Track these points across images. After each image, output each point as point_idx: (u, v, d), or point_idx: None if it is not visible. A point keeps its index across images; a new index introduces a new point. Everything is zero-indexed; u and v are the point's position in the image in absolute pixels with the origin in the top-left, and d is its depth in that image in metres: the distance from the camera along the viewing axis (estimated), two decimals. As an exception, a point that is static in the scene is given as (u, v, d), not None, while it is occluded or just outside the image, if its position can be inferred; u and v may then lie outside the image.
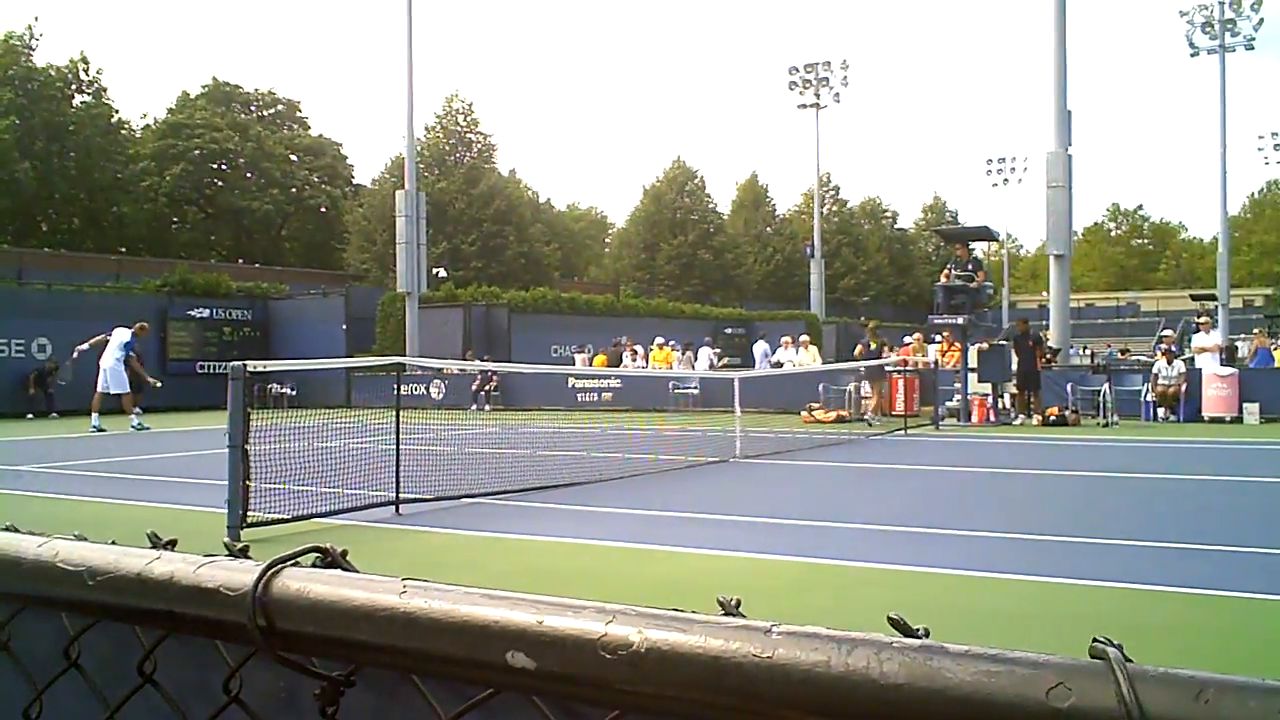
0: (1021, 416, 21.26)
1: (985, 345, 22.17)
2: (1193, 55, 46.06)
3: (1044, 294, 49.77)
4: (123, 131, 58.88)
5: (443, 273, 47.22)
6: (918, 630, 0.71)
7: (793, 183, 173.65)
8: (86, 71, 55.35)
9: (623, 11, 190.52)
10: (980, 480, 12.69)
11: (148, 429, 20.48)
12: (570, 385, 27.52)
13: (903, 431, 19.49)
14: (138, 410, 21.01)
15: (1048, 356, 23.48)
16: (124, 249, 55.07)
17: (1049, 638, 5.26)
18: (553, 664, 0.76)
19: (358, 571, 0.91)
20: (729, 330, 40.25)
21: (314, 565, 0.93)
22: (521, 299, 35.07)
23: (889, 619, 0.73)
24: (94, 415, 20.62)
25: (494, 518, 9.62)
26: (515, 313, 33.36)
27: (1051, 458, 14.94)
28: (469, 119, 60.37)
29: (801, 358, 28.26)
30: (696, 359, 30.24)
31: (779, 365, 27.88)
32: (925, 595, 6.41)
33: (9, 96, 49.87)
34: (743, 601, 0.79)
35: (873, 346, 22.80)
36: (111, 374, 20.72)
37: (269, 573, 0.90)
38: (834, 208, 76.73)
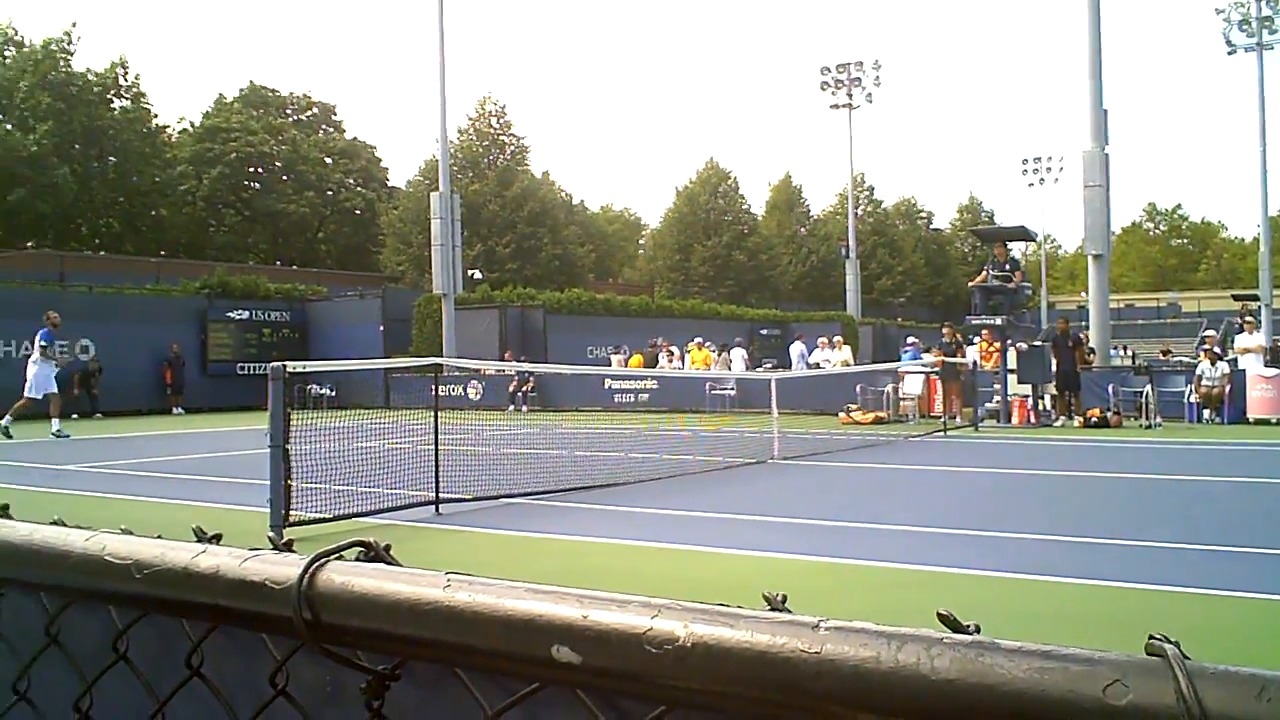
0: (1062, 418, 21.05)
1: (1024, 346, 21.98)
2: (1230, 53, 45.38)
3: (1082, 294, 49.26)
4: (161, 136, 59.52)
5: (478, 274, 47.40)
6: (968, 626, 0.70)
7: (827, 183, 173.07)
8: (125, 76, 56.00)
9: (655, 13, 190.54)
10: (1021, 482, 12.57)
11: (67, 435, 19.50)
12: (607, 386, 27.54)
13: (942, 433, 19.36)
14: (59, 418, 20.01)
15: (1088, 358, 23.23)
16: (163, 252, 55.69)
17: (1098, 640, 5.20)
18: (598, 658, 0.76)
19: (401, 566, 0.91)
20: (764, 331, 40.13)
21: (357, 559, 0.93)
22: (556, 300, 35.12)
23: (939, 615, 0.72)
24: (8, 420, 19.47)
25: (533, 518, 9.65)
26: (550, 314, 33.42)
27: (1093, 460, 14.79)
28: (502, 121, 60.57)
29: (834, 357, 28.15)
30: (731, 360, 30.16)
31: (816, 366, 27.77)
32: (968, 597, 6.36)
33: (48, 101, 50.52)
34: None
35: (947, 340, 22.91)
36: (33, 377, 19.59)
37: (313, 566, 0.90)
38: (869, 208, 76.31)
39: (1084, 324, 28.37)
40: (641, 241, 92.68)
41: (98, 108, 53.85)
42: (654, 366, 28.44)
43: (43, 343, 19.59)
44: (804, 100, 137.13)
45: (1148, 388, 20.75)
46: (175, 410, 28.51)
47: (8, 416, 19.32)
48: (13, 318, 25.66)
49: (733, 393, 25.61)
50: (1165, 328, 65.70)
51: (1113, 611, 6.08)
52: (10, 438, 18.90)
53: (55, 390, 19.66)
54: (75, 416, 25.83)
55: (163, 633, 1.15)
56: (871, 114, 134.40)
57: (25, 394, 19.30)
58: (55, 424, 19.59)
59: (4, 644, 1.30)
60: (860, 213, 68.49)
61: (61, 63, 52.62)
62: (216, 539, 1.06)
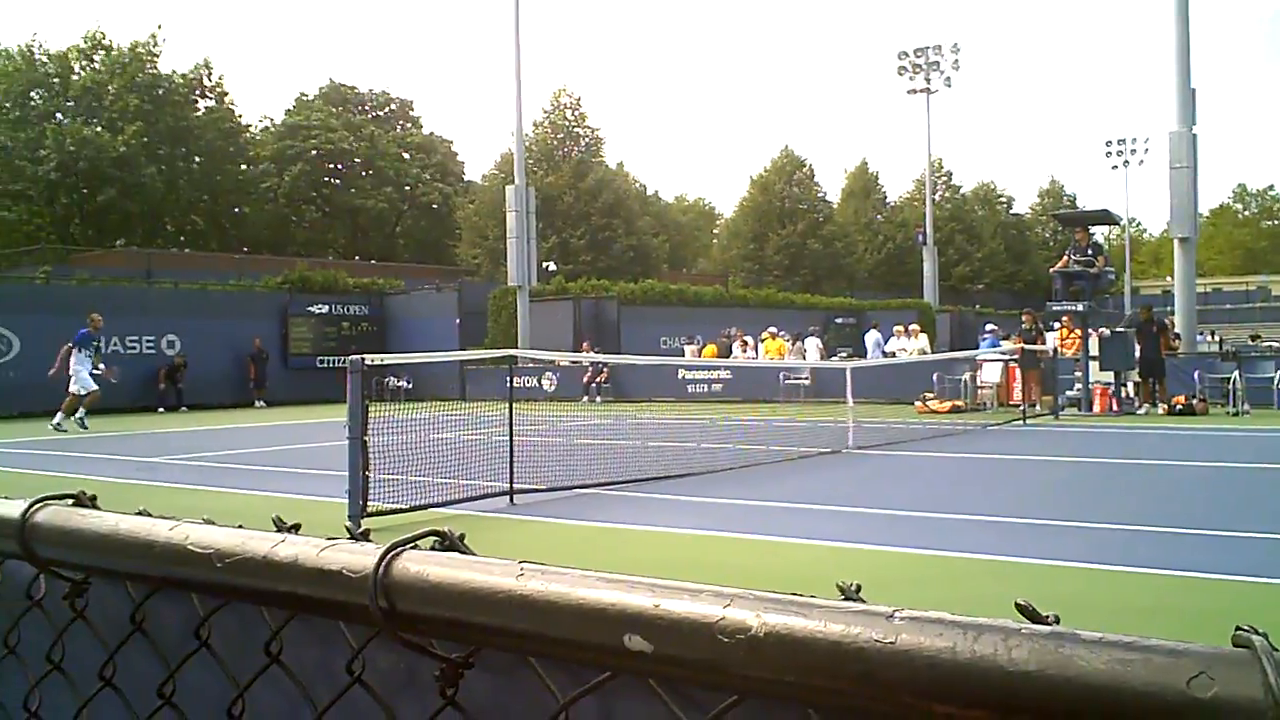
0: (1146, 406, 20.59)
1: (1106, 332, 21.52)
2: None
3: (1168, 279, 48.17)
4: (244, 134, 60.75)
5: (552, 266, 47.65)
6: (1047, 617, 0.68)
7: (903, 169, 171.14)
8: (209, 77, 57.27)
9: (729, 1, 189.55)
10: (1104, 471, 12.33)
11: (65, 432, 19.26)
12: (681, 377, 27.52)
13: (1021, 422, 19.05)
14: (65, 414, 19.76)
15: (1173, 344, 22.70)
16: (245, 248, 56.86)
17: (1184, 633, 5.09)
18: (670, 647, 0.75)
19: (475, 555, 0.92)
20: (840, 320, 39.75)
21: (432, 549, 0.94)
22: (630, 291, 35.15)
23: (1016, 605, 0.70)
24: (81, 413, 19.81)
25: (607, 508, 9.68)
26: (624, 305, 33.46)
27: (1179, 448, 14.45)
28: (577, 113, 60.82)
29: (910, 345, 27.85)
30: (806, 349, 29.94)
31: (892, 355, 27.48)
32: (1048, 588, 6.25)
33: (136, 103, 51.81)
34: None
35: (1026, 327, 22.57)
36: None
37: (389, 555, 0.91)
38: (946, 194, 75.27)
39: (1169, 309, 27.82)
40: (715, 231, 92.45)
41: (183, 108, 55.15)
42: (728, 356, 28.36)
43: (71, 343, 19.98)
44: (881, 86, 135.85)
45: (1235, 373, 20.23)
46: (257, 403, 29.08)
47: (81, 411, 19.73)
48: (105, 314, 26.25)
49: (807, 382, 25.45)
50: (1254, 312, 64.01)
51: (1200, 604, 5.94)
52: (85, 428, 19.37)
53: (87, 389, 19.82)
54: (161, 410, 26.49)
55: (243, 620, 1.17)
56: (950, 98, 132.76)
57: (82, 391, 19.68)
58: (59, 417, 19.63)
59: (91, 632, 1.34)
60: (938, 198, 67.62)
61: (148, 65, 53.91)
62: (295, 529, 1.08)
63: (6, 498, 1.35)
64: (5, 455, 15.71)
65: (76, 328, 20.45)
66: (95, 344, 20.48)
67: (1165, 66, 26.35)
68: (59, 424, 19.48)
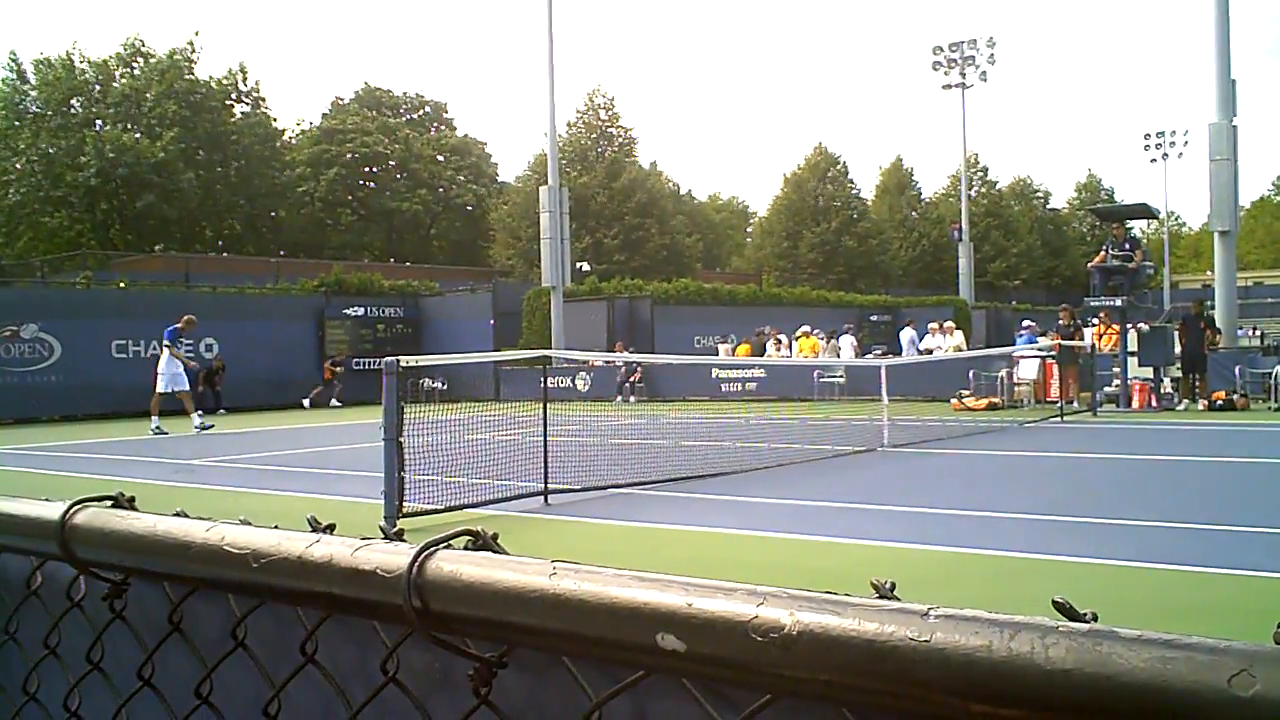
0: (1186, 401, 20.35)
1: (1146, 327, 21.27)
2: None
3: (1208, 273, 47.59)
4: (280, 139, 61.24)
5: (586, 267, 47.70)
6: (1085, 615, 0.68)
7: (938, 165, 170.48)
8: (245, 82, 57.77)
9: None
10: (1143, 468, 12.20)
11: (212, 428, 19.88)
12: (714, 376, 27.46)
13: (1058, 419, 18.88)
14: (194, 411, 20.19)
15: (1215, 339, 22.44)
16: (282, 252, 57.27)
17: (1226, 631, 5.02)
18: (703, 646, 0.75)
19: (508, 554, 0.92)
20: (874, 317, 39.56)
21: (466, 549, 0.94)
22: (664, 291, 35.13)
23: (1054, 603, 0.69)
24: (154, 418, 19.96)
25: (641, 508, 9.68)
26: (658, 304, 33.45)
27: (1219, 444, 14.27)
28: (610, 113, 60.84)
29: (945, 343, 27.68)
30: (840, 347, 29.82)
31: (928, 352, 27.31)
32: (1085, 587, 6.19)
33: (174, 109, 52.32)
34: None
35: (1064, 324, 22.41)
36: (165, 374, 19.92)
37: (423, 555, 0.92)
38: (982, 189, 74.63)
39: (1209, 303, 27.45)
40: (749, 229, 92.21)
41: (220, 114, 55.65)
42: (762, 355, 28.29)
43: (166, 341, 20.16)
44: (915, 81, 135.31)
45: (1277, 368, 19.97)
46: (304, 402, 29.14)
47: (154, 418, 19.91)
48: (144, 319, 26.57)
49: (842, 380, 25.33)
50: (1297, 306, 63.01)
51: (1241, 601, 5.86)
52: (165, 433, 19.48)
53: (185, 387, 20.13)
54: (200, 412, 26.70)
55: (279, 620, 1.18)
56: (985, 92, 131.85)
57: (167, 389, 19.86)
58: (195, 419, 19.91)
59: (129, 632, 1.35)
60: (973, 194, 67.10)
61: (185, 71, 54.44)
62: (330, 529, 1.08)
63: (47, 500, 1.37)
64: (46, 458, 15.94)
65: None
66: (181, 341, 20.62)
67: (1205, 57, 25.99)
68: (201, 424, 19.74)
